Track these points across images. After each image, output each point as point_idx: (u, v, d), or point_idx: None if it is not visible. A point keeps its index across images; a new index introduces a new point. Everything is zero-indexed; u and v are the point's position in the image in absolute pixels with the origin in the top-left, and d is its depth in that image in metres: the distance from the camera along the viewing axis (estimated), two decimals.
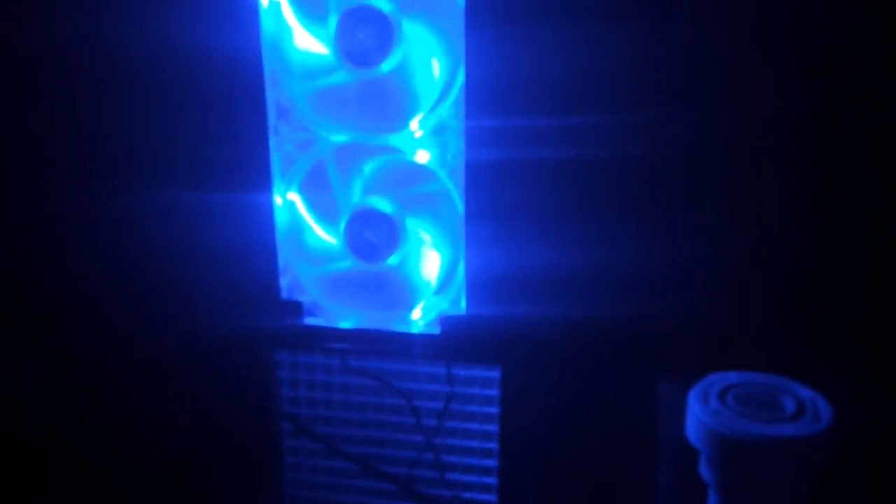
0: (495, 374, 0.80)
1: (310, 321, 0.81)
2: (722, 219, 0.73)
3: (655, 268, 0.73)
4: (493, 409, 0.81)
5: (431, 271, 0.78)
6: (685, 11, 0.67)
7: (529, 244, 0.74)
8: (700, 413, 0.63)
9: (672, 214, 0.73)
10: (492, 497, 0.83)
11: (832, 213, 0.71)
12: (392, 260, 0.77)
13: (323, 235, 0.80)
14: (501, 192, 0.73)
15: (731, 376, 0.66)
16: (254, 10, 0.73)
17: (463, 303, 0.78)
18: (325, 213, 0.79)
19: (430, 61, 0.72)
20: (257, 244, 0.80)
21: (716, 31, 0.68)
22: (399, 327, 0.80)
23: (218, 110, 0.77)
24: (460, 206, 0.75)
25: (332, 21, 0.71)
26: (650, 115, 0.69)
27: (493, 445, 0.82)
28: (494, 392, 0.80)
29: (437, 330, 0.79)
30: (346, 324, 0.81)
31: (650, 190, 0.72)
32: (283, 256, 0.80)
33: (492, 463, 0.82)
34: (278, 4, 0.73)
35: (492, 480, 0.83)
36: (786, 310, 0.74)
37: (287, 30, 0.73)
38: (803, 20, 0.67)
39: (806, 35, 0.67)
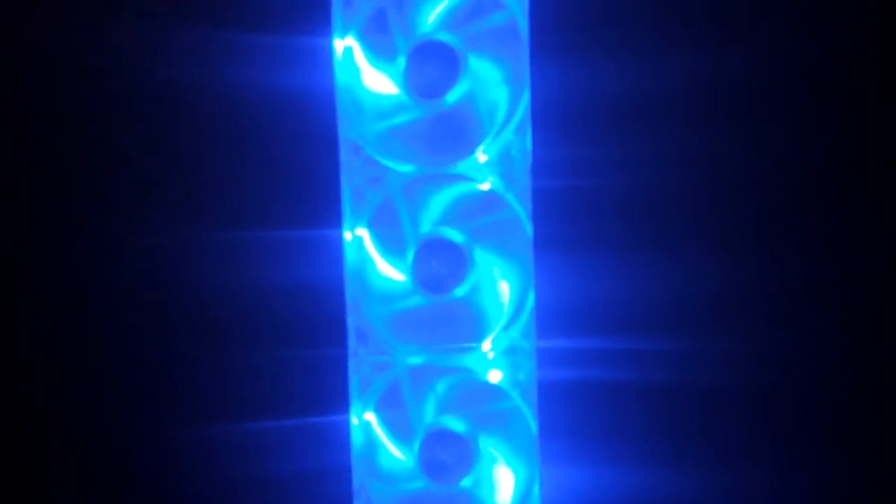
0: None
1: None
2: (819, 453, 0.71)
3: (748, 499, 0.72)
4: None
5: (506, 492, 0.78)
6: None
7: (605, 465, 0.74)
8: None
9: (761, 442, 0.72)
10: None
11: None
12: (465, 481, 0.78)
13: (396, 454, 0.81)
14: (573, 411, 0.74)
15: None
16: (339, 244, 0.80)
17: None
18: (399, 432, 0.81)
19: (501, 286, 0.77)
20: (332, 464, 0.81)
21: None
22: None
23: (302, 337, 0.82)
24: (533, 426, 0.76)
25: (410, 252, 0.77)
26: (730, 341, 0.71)
27: None
28: None
29: None
30: None
31: (734, 417, 0.72)
32: (358, 477, 0.81)
33: None
34: (361, 239, 0.80)
35: None
36: None
37: (369, 260, 0.80)
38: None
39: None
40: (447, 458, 0.78)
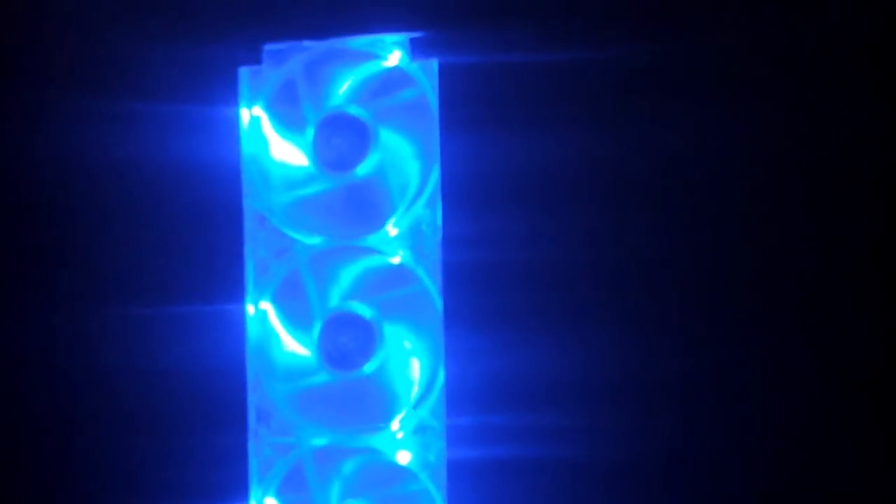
0: None
1: None
2: None
3: None
4: None
5: None
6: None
7: None
8: None
9: None
10: None
11: None
12: None
13: None
14: (484, 492, 0.72)
15: None
16: (241, 319, 0.76)
17: None
18: None
19: (411, 362, 0.75)
20: None
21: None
22: None
23: (200, 418, 0.78)
24: None
25: (317, 327, 0.75)
26: (640, 418, 0.71)
27: None
28: None
29: None
30: None
31: (645, 493, 0.72)
32: None
33: None
34: (264, 312, 0.77)
35: None
36: None
37: (273, 335, 0.77)
38: None
39: None
40: None
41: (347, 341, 0.74)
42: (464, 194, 0.72)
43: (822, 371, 0.70)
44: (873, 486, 0.69)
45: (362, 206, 0.75)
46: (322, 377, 0.75)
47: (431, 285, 0.73)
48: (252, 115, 0.75)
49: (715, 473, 0.71)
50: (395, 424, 0.74)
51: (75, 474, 0.81)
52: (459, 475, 0.73)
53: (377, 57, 0.74)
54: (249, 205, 0.76)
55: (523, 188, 0.72)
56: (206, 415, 0.79)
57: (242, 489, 0.76)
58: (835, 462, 0.69)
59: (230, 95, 0.75)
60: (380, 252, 0.74)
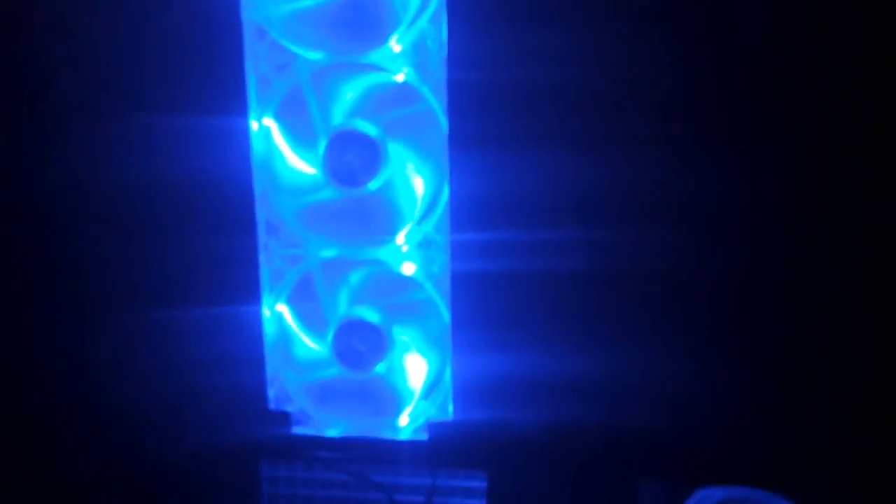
0: (478, 484, 0.81)
1: (297, 431, 0.83)
2: (705, 334, 0.76)
3: (638, 377, 0.76)
4: None
5: (418, 378, 0.81)
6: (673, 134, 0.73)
7: (514, 351, 0.77)
8: None
9: (655, 327, 0.76)
10: None
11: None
12: (379, 368, 0.80)
13: (311, 345, 0.82)
14: (486, 302, 0.76)
15: (718, 493, 0.68)
16: (245, 134, 0.77)
17: (450, 408, 0.80)
18: (313, 324, 0.81)
19: (415, 180, 0.76)
20: (245, 355, 0.82)
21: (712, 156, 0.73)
22: (386, 434, 0.81)
23: (211, 229, 0.79)
24: (446, 315, 0.78)
25: (322, 144, 0.75)
26: (633, 232, 0.73)
27: None
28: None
29: (424, 436, 0.80)
30: (333, 432, 0.82)
31: (634, 303, 0.76)
32: (271, 366, 0.82)
33: None
34: (268, 129, 0.77)
35: None
36: (769, 421, 0.77)
37: (277, 152, 0.77)
38: None
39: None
40: (361, 346, 0.79)
41: (352, 159, 0.75)
42: (469, 10, 0.70)
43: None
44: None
45: (364, 20, 0.73)
46: (328, 193, 0.77)
47: (437, 104, 0.73)
48: None
49: (713, 283, 0.75)
50: (400, 238, 0.77)
51: (90, 278, 0.84)
52: (462, 286, 0.76)
53: None
54: (248, 17, 0.74)
55: (531, 3, 0.69)
56: (217, 225, 0.80)
57: (255, 296, 0.80)
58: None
59: None
60: (383, 69, 0.73)
